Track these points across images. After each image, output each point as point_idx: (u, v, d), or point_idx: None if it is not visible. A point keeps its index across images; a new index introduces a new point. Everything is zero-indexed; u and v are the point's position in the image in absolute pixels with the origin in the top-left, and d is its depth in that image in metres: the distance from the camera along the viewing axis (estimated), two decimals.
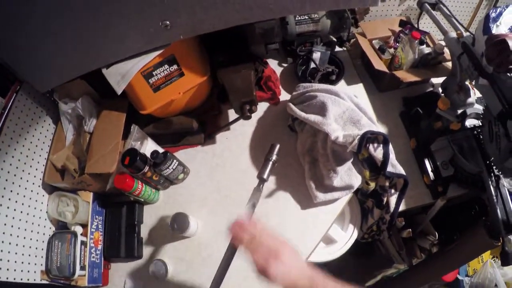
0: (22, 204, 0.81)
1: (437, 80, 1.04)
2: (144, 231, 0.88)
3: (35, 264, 0.80)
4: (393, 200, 0.84)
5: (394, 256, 1.11)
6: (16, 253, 0.75)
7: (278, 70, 1.03)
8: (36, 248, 0.82)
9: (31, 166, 0.86)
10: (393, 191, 0.84)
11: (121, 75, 0.78)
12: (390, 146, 0.81)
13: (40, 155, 0.89)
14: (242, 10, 0.72)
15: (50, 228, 0.88)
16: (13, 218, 0.78)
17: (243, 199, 0.83)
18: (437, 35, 1.08)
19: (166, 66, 0.78)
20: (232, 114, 0.94)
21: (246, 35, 0.84)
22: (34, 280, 0.78)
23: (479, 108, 0.92)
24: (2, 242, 0.73)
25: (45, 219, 0.87)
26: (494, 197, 0.84)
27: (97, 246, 0.87)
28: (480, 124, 0.90)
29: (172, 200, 0.89)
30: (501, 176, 0.85)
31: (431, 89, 1.07)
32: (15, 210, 0.79)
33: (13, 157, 0.81)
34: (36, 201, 0.85)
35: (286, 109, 0.85)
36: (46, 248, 0.83)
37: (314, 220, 0.82)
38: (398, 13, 1.14)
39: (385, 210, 0.86)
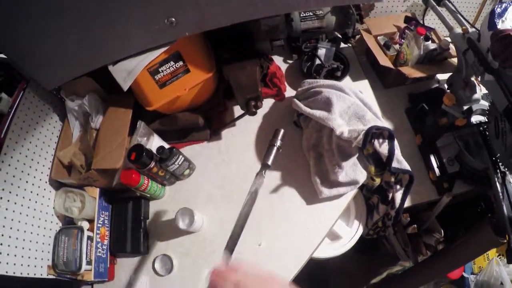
0: (29, 199, 0.83)
1: (443, 76, 1.05)
2: (150, 227, 0.90)
3: (42, 259, 0.82)
4: (398, 196, 0.85)
5: (399, 253, 1.12)
6: (23, 248, 0.77)
7: (284, 66, 1.04)
8: (43, 244, 0.84)
9: (38, 163, 0.88)
10: (398, 186, 0.85)
11: (127, 71, 0.80)
12: (396, 142, 0.82)
13: (47, 152, 0.91)
14: (247, 6, 0.74)
15: (57, 223, 0.90)
16: (20, 213, 0.80)
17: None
18: (443, 31, 1.08)
19: (172, 62, 0.80)
20: (237, 110, 0.96)
21: (252, 31, 0.86)
22: (41, 275, 0.80)
23: (485, 104, 0.93)
24: (10, 237, 0.75)
25: (52, 215, 0.89)
26: (500, 194, 0.84)
27: (104, 241, 0.89)
28: (486, 120, 0.91)
29: (178, 195, 0.91)
30: (507, 172, 0.85)
31: (437, 85, 1.08)
32: (22, 205, 0.81)
33: (20, 153, 0.83)
34: (43, 197, 0.87)
35: (292, 105, 0.86)
36: (52, 244, 0.86)
37: (319, 215, 0.83)
38: (403, 9, 1.15)
39: (391, 206, 0.87)
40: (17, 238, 0.77)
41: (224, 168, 0.90)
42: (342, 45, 1.05)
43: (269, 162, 0.61)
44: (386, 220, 0.91)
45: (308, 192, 0.85)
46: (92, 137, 0.90)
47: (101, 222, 0.89)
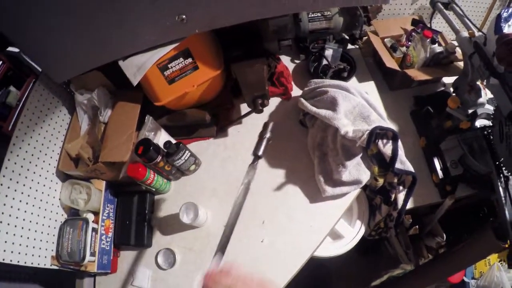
0: (36, 190, 0.86)
1: (449, 80, 1.07)
2: (154, 220, 0.93)
3: (46, 249, 0.84)
4: (401, 197, 0.87)
5: (401, 256, 1.14)
6: (28, 238, 0.80)
7: (291, 66, 1.07)
8: (48, 234, 0.86)
9: (46, 154, 0.91)
10: (401, 188, 0.87)
11: (137, 67, 0.82)
12: (400, 143, 0.84)
13: (55, 144, 0.94)
14: (257, 6, 0.76)
15: (62, 215, 0.93)
16: (27, 203, 0.83)
17: (254, 191, 0.88)
18: (449, 35, 1.10)
19: (181, 59, 0.83)
20: (244, 108, 0.99)
21: (260, 31, 0.88)
22: (45, 265, 0.83)
23: (490, 108, 0.94)
24: (15, 226, 0.78)
25: (58, 206, 0.92)
26: (503, 198, 0.86)
27: (108, 234, 0.91)
28: (491, 124, 0.93)
29: (183, 190, 0.94)
30: (510, 177, 0.87)
31: (443, 88, 1.10)
32: (29, 196, 0.84)
33: (29, 144, 0.86)
34: (49, 188, 0.90)
35: (298, 105, 0.89)
36: (57, 234, 0.88)
37: (322, 214, 0.86)
38: (410, 12, 1.17)
39: (393, 207, 0.89)
40: (22, 228, 0.79)
41: (229, 165, 0.93)
42: (349, 46, 1.07)
43: (260, 153, 0.64)
44: (388, 221, 0.93)
45: (311, 191, 0.87)
46: (100, 131, 0.93)
47: (106, 215, 0.92)
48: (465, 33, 0.91)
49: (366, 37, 1.07)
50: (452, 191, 0.97)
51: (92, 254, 0.86)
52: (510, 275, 1.19)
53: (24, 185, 0.83)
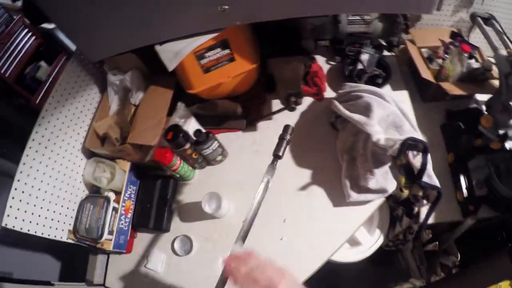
0: (61, 164, 0.89)
1: (482, 97, 1.06)
2: (175, 206, 0.95)
3: (64, 223, 0.87)
4: (424, 211, 0.88)
5: (412, 270, 1.14)
6: (48, 210, 0.83)
7: (325, 67, 1.08)
8: (68, 208, 0.89)
9: (73, 130, 0.94)
10: (425, 202, 0.87)
11: (174, 53, 0.84)
12: (429, 156, 0.84)
13: (83, 121, 0.97)
14: (301, 4, 0.77)
15: (83, 191, 0.96)
16: (50, 176, 0.85)
17: (279, 189, 0.89)
18: (487, 51, 1.10)
19: (219, 49, 0.84)
20: (275, 105, 1.00)
21: (298, 29, 0.89)
22: (61, 238, 0.86)
23: None
24: (36, 197, 0.80)
25: (80, 182, 0.95)
26: None
27: (127, 214, 0.94)
28: None
29: (207, 179, 0.96)
30: None
31: (475, 105, 1.10)
32: (53, 169, 0.86)
33: (58, 119, 0.89)
34: (74, 163, 0.93)
35: (330, 106, 0.90)
36: (76, 209, 0.91)
37: (344, 219, 0.87)
38: (449, 24, 1.17)
39: (414, 220, 0.90)
40: (43, 200, 0.82)
41: (256, 159, 0.94)
42: (385, 52, 1.08)
43: (280, 153, 0.67)
44: (408, 234, 0.94)
45: (336, 194, 0.89)
46: (130, 113, 0.95)
47: (128, 196, 0.94)
48: (503, 51, 0.90)
49: (403, 45, 1.07)
50: (474, 212, 0.97)
51: (110, 233, 0.88)
52: None
53: (49, 158, 0.85)
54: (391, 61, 1.05)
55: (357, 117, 0.81)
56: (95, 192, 0.96)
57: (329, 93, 1.01)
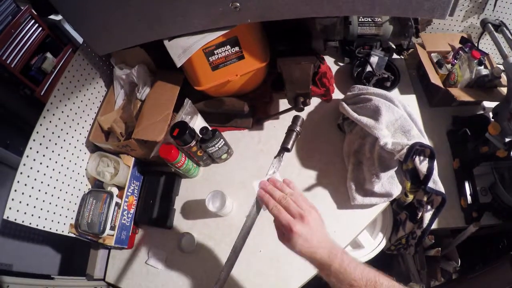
0: (64, 158, 0.88)
1: (489, 104, 1.06)
2: (178, 203, 0.95)
3: (66, 216, 0.87)
4: (427, 216, 0.87)
5: (413, 275, 1.14)
6: (50, 203, 0.82)
7: (334, 68, 1.08)
8: (70, 202, 0.89)
9: (78, 124, 0.93)
10: (429, 207, 0.87)
11: (182, 49, 0.83)
12: (435, 162, 0.84)
13: (88, 115, 0.96)
14: (313, 3, 0.76)
15: (86, 185, 0.95)
16: (53, 169, 0.85)
17: None
18: (496, 58, 1.09)
19: (228, 47, 0.83)
20: (282, 104, 1.00)
21: (309, 29, 0.88)
22: (62, 231, 0.85)
23: None
24: (39, 190, 0.80)
25: (83, 176, 0.94)
26: None
27: (130, 210, 0.93)
28: None
29: (211, 178, 0.95)
30: None
31: (482, 112, 1.09)
32: (56, 162, 0.86)
33: (62, 112, 0.88)
34: (77, 157, 0.92)
35: (338, 108, 0.89)
36: (79, 204, 0.91)
37: (348, 221, 0.86)
38: (459, 29, 1.16)
39: (418, 225, 0.89)
40: (46, 193, 0.81)
41: (262, 159, 0.94)
42: (394, 56, 1.07)
43: (289, 146, 0.65)
44: (410, 239, 0.94)
45: (340, 197, 0.88)
46: (136, 108, 0.94)
47: (131, 191, 0.93)
48: None
49: (413, 49, 1.07)
50: (477, 218, 0.97)
51: (112, 228, 0.88)
52: None
53: (53, 151, 0.85)
54: (400, 65, 1.05)
55: (365, 120, 0.80)
56: (97, 186, 0.95)
57: (337, 94, 1.00)
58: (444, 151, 1.03)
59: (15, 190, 0.72)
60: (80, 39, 1.29)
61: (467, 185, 0.98)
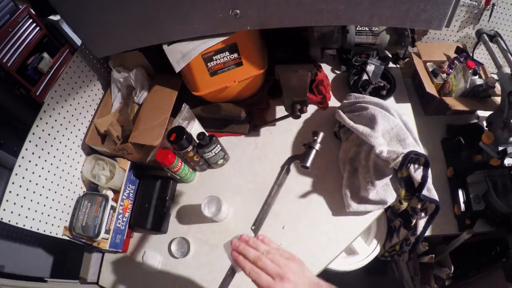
0: (60, 160, 0.88)
1: (483, 113, 1.08)
2: (173, 208, 0.95)
3: (60, 219, 0.86)
4: (421, 223, 0.89)
5: (406, 281, 1.16)
6: (44, 205, 0.82)
7: (330, 76, 1.09)
8: (64, 204, 0.88)
9: (74, 126, 0.93)
10: (423, 214, 0.88)
11: (182, 54, 0.84)
12: (429, 170, 0.85)
13: (84, 117, 0.96)
14: (313, 12, 0.77)
15: (81, 187, 0.95)
16: (49, 171, 0.85)
17: (279, 195, 0.89)
18: (491, 68, 1.12)
19: (227, 53, 0.84)
20: (279, 111, 1.01)
21: (307, 36, 0.90)
22: (56, 234, 0.85)
23: None
24: (34, 192, 0.80)
25: (78, 179, 0.94)
26: None
27: (125, 214, 0.93)
28: None
29: (207, 183, 0.96)
30: None
31: (476, 121, 1.11)
32: (52, 164, 0.86)
33: (59, 114, 0.88)
34: (73, 159, 0.92)
35: (335, 115, 0.90)
36: (73, 206, 0.91)
37: (343, 228, 0.88)
38: (455, 39, 1.19)
39: (412, 232, 0.91)
40: (40, 195, 0.81)
41: (258, 165, 0.95)
42: (391, 64, 1.09)
43: (308, 164, 0.63)
44: (404, 245, 0.95)
45: (336, 204, 0.89)
46: (133, 111, 0.95)
47: (126, 195, 0.94)
48: (507, 69, 0.92)
49: (408, 58, 1.09)
50: (471, 226, 0.98)
51: (107, 232, 0.88)
52: None
53: (48, 153, 0.85)
54: (396, 73, 1.06)
55: (361, 128, 0.82)
56: (92, 189, 0.95)
57: (333, 102, 1.02)
58: (438, 159, 1.04)
59: (10, 192, 0.72)
60: (77, 41, 1.29)
61: (460, 193, 0.99)
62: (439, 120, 1.09)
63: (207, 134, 0.85)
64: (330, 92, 0.99)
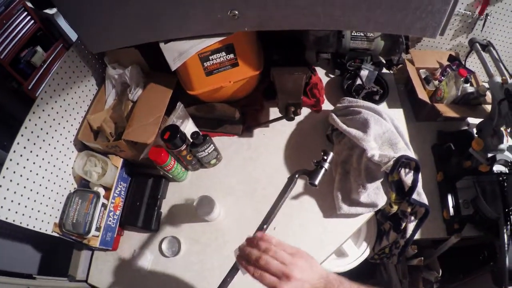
0: (51, 155, 0.88)
1: (473, 120, 1.11)
2: (165, 207, 0.95)
3: (50, 215, 0.86)
4: (410, 227, 0.91)
5: (395, 285, 1.17)
6: (35, 201, 0.81)
7: (324, 79, 1.11)
8: (55, 201, 0.88)
9: (67, 121, 0.92)
10: (412, 218, 0.91)
11: (178, 52, 0.84)
12: (419, 174, 0.87)
13: (77, 113, 0.96)
14: (311, 16, 0.78)
15: (72, 184, 0.94)
16: (40, 166, 0.84)
17: (271, 196, 0.89)
18: (482, 76, 1.15)
19: (224, 53, 0.85)
20: (273, 112, 1.02)
21: (303, 40, 0.91)
22: (46, 230, 0.84)
23: (509, 156, 0.99)
24: (24, 187, 0.79)
25: (69, 175, 0.94)
26: (506, 246, 0.90)
27: (116, 211, 0.93)
28: (507, 172, 0.97)
29: (199, 182, 0.96)
30: None
31: (466, 128, 1.14)
32: (43, 159, 0.85)
33: (52, 108, 0.88)
34: (64, 155, 0.92)
35: (328, 119, 0.92)
36: (64, 203, 0.90)
37: (333, 230, 0.89)
38: (448, 47, 1.21)
39: (401, 235, 0.93)
40: (31, 190, 0.81)
41: (250, 165, 0.96)
42: (384, 70, 1.11)
43: (316, 182, 0.64)
44: (394, 248, 0.97)
45: (327, 206, 0.91)
46: (127, 108, 0.95)
47: (118, 192, 0.94)
48: (498, 78, 0.94)
49: (402, 65, 1.11)
50: (459, 230, 1.01)
51: (97, 229, 0.87)
52: None
53: (40, 147, 0.84)
54: (389, 79, 1.08)
55: (354, 132, 0.83)
56: (83, 186, 0.95)
57: (326, 105, 1.03)
58: (428, 164, 1.07)
59: (0, 186, 0.72)
60: (72, 35, 1.29)
61: (449, 197, 1.02)
62: (430, 126, 1.11)
63: (200, 134, 0.86)
64: (324, 96, 1.01)
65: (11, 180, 0.75)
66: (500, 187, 0.98)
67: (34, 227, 0.81)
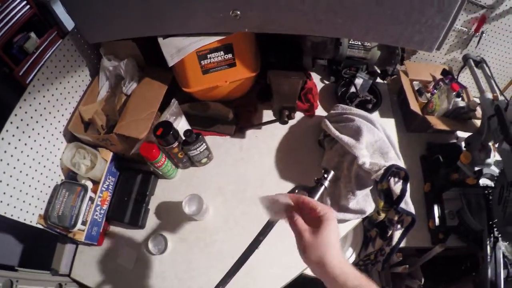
0: (40, 145, 0.86)
1: (462, 134, 1.13)
2: (152, 204, 0.94)
3: (36, 206, 0.84)
4: (397, 234, 0.92)
5: None
6: (20, 191, 0.80)
7: (319, 85, 1.12)
8: (41, 192, 0.86)
9: (58, 111, 0.91)
10: (399, 226, 0.92)
11: (177, 48, 0.84)
12: (408, 184, 0.89)
13: (69, 103, 0.94)
14: (312, 22, 0.79)
15: (59, 175, 0.93)
16: (28, 156, 0.82)
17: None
18: (473, 92, 1.18)
19: (222, 52, 0.85)
20: (266, 115, 1.02)
21: (301, 44, 0.92)
22: (30, 222, 0.82)
23: (495, 170, 1.01)
24: (10, 176, 0.77)
25: (57, 166, 0.92)
26: (489, 257, 0.93)
27: (103, 206, 0.92)
28: (493, 185, 1.00)
29: (189, 180, 0.96)
30: (499, 238, 0.93)
31: (455, 141, 1.17)
32: (31, 148, 0.83)
33: (44, 97, 0.86)
34: (53, 145, 0.90)
35: (320, 124, 0.93)
36: (50, 194, 0.88)
37: None
38: (442, 61, 1.24)
39: (387, 243, 0.94)
40: (17, 179, 0.79)
41: (241, 166, 0.96)
42: (378, 80, 1.13)
43: (315, 198, 0.64)
44: (379, 255, 0.98)
45: None
46: (120, 102, 0.94)
47: (106, 187, 0.92)
48: (489, 95, 0.97)
49: (396, 75, 1.13)
50: (443, 240, 1.03)
51: (83, 223, 0.86)
52: None
53: (29, 136, 0.82)
54: (383, 89, 1.10)
55: (346, 139, 0.84)
56: (71, 178, 0.93)
57: (319, 111, 1.04)
58: (416, 175, 1.09)
59: None
60: (67, 23, 1.26)
61: (436, 208, 1.04)
62: (420, 137, 1.13)
63: (193, 132, 0.86)
64: (318, 101, 1.02)
65: None
66: (485, 200, 1.01)
67: (18, 217, 0.79)
